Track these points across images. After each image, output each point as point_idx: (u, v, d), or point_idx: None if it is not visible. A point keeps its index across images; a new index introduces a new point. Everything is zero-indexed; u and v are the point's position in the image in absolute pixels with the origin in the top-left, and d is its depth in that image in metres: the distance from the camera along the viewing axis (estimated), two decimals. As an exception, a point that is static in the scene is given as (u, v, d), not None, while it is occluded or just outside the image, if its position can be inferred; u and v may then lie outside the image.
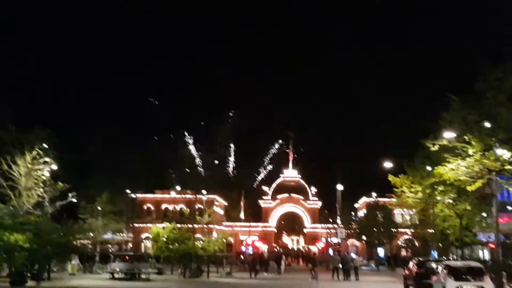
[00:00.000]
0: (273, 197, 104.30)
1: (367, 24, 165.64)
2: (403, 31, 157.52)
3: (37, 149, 46.30)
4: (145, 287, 35.36)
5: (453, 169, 35.69)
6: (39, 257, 36.00)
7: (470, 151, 33.95)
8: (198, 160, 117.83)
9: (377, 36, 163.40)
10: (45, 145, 46.73)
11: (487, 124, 32.31)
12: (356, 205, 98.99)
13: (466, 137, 33.65)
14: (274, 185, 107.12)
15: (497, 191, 35.43)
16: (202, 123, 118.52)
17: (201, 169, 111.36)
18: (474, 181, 35.12)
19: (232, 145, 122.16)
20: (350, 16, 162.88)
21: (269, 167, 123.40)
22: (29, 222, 38.13)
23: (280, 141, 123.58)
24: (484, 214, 49.79)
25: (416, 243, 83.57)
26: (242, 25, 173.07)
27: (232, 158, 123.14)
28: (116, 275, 42.71)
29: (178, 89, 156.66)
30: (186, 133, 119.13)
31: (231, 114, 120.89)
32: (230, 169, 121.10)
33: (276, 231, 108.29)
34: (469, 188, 36.27)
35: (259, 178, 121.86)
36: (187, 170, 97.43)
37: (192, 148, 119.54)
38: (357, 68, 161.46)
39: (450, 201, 47.00)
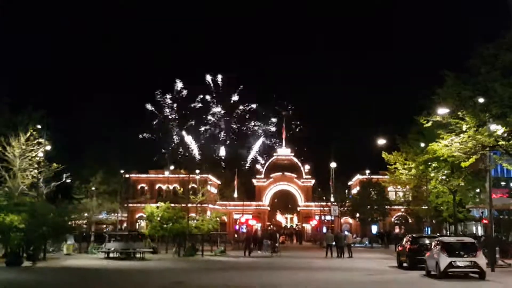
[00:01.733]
0: (267, 176, 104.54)
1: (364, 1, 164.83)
2: (399, 6, 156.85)
3: (31, 130, 46.21)
4: (140, 266, 35.46)
5: (447, 145, 35.80)
6: (35, 237, 36.11)
7: (464, 127, 34.04)
8: (191, 139, 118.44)
9: (374, 11, 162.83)
10: (38, 126, 46.64)
11: (481, 100, 32.38)
12: (349, 183, 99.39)
13: (460, 113, 33.71)
14: (267, 164, 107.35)
15: (490, 166, 35.58)
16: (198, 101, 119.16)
17: (194, 149, 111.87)
18: (467, 157, 35.20)
19: (224, 123, 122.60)
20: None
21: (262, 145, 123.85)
22: (24, 203, 38.20)
23: (273, 119, 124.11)
24: (478, 190, 50.09)
25: (410, 220, 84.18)
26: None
27: (224, 136, 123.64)
28: (111, 255, 42.84)
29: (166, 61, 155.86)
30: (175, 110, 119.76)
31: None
32: (223, 147, 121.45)
33: (269, 210, 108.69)
34: (462, 164, 36.37)
35: (252, 156, 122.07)
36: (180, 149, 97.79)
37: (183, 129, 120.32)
38: (351, 44, 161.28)
39: (444, 177, 47.19)
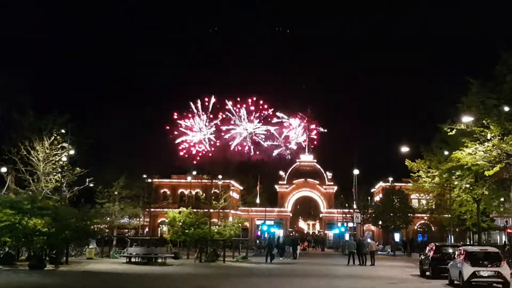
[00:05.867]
0: (289, 182, 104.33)
1: (384, 5, 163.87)
2: (422, 12, 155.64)
3: (55, 134, 46.66)
4: (161, 271, 35.54)
5: (471, 153, 35.55)
6: (58, 241, 36.33)
7: (489, 136, 33.76)
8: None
9: (395, 17, 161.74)
10: (62, 130, 47.06)
11: (506, 108, 32.08)
12: (372, 190, 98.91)
13: (484, 122, 33.44)
14: (290, 170, 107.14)
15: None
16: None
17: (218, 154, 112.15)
18: (492, 165, 34.92)
19: (248, 129, 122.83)
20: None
21: (286, 151, 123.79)
22: (48, 206, 38.40)
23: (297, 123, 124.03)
24: (502, 199, 49.52)
25: (433, 228, 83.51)
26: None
27: (248, 142, 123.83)
28: (133, 259, 42.98)
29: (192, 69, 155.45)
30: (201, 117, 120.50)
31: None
32: (246, 153, 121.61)
33: (291, 216, 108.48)
34: (487, 173, 36.08)
35: (275, 162, 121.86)
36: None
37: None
38: (374, 50, 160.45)
39: (467, 185, 46.77)
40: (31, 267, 33.34)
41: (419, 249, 55.97)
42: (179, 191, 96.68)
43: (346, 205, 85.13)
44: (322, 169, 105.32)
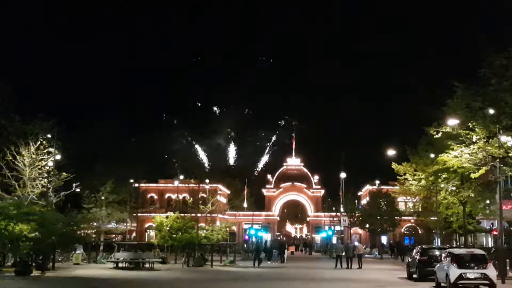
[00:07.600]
0: (276, 186, 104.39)
1: (370, 9, 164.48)
2: (407, 15, 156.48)
3: (41, 139, 46.32)
4: (148, 276, 35.40)
5: (457, 156, 35.68)
6: (44, 246, 36.09)
7: (474, 138, 33.93)
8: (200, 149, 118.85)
9: (380, 21, 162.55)
10: (49, 135, 46.72)
11: (491, 111, 32.24)
12: (359, 193, 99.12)
13: (470, 124, 33.60)
14: (277, 174, 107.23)
15: (500, 178, 35.33)
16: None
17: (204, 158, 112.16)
18: (477, 168, 35.06)
19: (234, 133, 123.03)
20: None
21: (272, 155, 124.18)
22: (34, 212, 38.10)
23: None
24: (488, 201, 49.74)
25: (420, 231, 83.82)
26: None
27: (234, 147, 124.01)
28: (120, 265, 42.78)
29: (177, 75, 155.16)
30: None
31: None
32: (233, 157, 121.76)
33: (279, 220, 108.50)
34: (472, 175, 36.24)
35: (262, 166, 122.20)
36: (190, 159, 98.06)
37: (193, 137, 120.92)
38: (360, 54, 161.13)
39: (454, 188, 46.93)
40: (17, 273, 33.11)
41: (406, 251, 56.09)
42: (166, 195, 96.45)
43: (333, 208, 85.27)
44: (309, 173, 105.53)
